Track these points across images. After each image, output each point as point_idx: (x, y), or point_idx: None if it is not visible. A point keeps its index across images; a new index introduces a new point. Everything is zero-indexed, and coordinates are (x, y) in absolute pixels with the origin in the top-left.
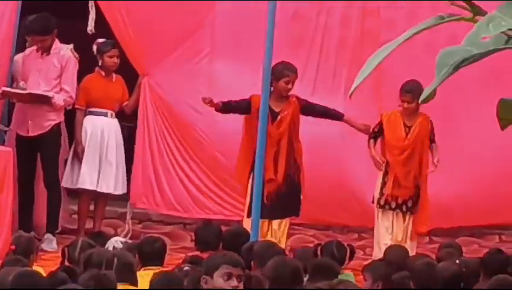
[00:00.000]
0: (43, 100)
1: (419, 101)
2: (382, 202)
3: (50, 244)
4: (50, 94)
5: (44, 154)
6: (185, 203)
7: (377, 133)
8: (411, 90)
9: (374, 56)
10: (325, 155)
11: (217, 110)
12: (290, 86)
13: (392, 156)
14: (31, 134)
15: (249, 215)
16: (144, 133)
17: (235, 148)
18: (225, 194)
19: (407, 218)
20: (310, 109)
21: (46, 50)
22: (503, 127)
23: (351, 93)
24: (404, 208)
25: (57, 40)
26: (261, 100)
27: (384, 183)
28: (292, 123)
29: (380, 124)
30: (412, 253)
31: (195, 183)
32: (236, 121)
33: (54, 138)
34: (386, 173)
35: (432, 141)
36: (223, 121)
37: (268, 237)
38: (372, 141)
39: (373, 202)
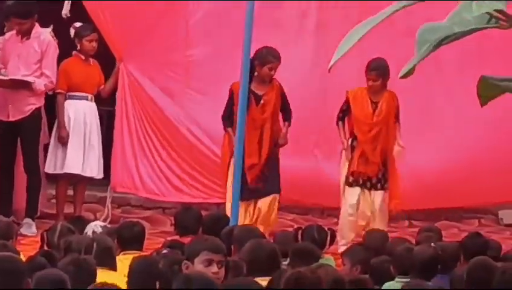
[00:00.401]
0: (24, 85)
1: (399, 77)
2: (350, 180)
3: (29, 228)
4: (31, 79)
5: (25, 139)
6: (163, 187)
7: (345, 112)
8: (376, 68)
9: (353, 31)
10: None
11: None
12: (273, 72)
13: (361, 133)
14: (11, 119)
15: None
16: (122, 117)
17: (211, 134)
18: (202, 177)
19: (372, 194)
20: (284, 103)
21: (25, 34)
22: (482, 104)
23: (330, 67)
24: (368, 185)
25: (37, 25)
26: (241, 85)
27: (351, 161)
28: (274, 107)
29: (347, 102)
30: (383, 227)
31: (171, 167)
32: (210, 108)
33: (35, 123)
34: (352, 150)
35: (397, 119)
36: (198, 107)
37: (256, 219)
38: (340, 122)
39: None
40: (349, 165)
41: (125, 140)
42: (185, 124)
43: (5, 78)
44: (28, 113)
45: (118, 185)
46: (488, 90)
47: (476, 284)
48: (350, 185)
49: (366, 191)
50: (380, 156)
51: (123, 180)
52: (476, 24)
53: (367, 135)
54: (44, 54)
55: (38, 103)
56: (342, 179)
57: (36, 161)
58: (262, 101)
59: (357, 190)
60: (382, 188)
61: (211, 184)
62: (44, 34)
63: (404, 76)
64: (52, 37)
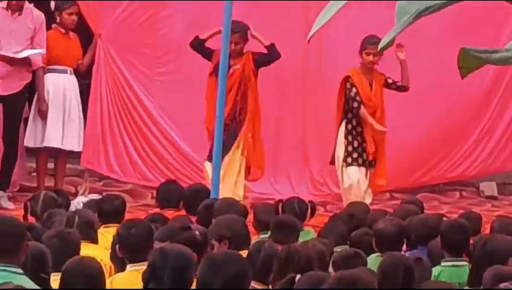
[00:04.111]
0: (24, 61)
1: (378, 49)
2: (349, 160)
3: (5, 201)
4: (33, 55)
5: (9, 113)
6: (124, 167)
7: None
8: (376, 42)
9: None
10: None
11: (190, 43)
12: (233, 45)
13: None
14: (2, 93)
15: (209, 159)
16: (96, 93)
17: (181, 117)
18: (163, 162)
19: (369, 172)
20: (260, 60)
21: (17, 10)
22: (463, 76)
23: (309, 38)
24: (367, 163)
25: (26, 1)
26: (221, 58)
27: (349, 142)
28: (244, 76)
29: (354, 85)
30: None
31: (137, 148)
32: (183, 90)
33: (22, 98)
34: (349, 132)
35: (391, 81)
36: (172, 87)
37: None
38: (362, 108)
39: (332, 163)
40: (347, 146)
41: (96, 116)
42: (154, 107)
43: (15, 56)
44: (20, 88)
45: (85, 161)
46: (468, 62)
47: (451, 246)
48: (349, 164)
49: (363, 168)
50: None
51: (90, 155)
52: None
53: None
54: (38, 31)
55: (29, 78)
56: (339, 160)
57: (16, 134)
58: (230, 70)
59: (357, 168)
60: (375, 166)
61: (169, 171)
62: (36, 11)
63: (383, 48)
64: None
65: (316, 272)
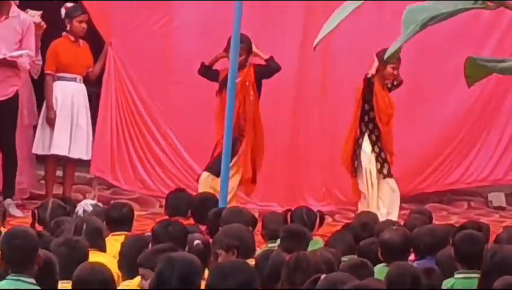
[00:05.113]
0: (10, 64)
1: (385, 58)
2: (385, 171)
3: (14, 209)
4: (21, 55)
5: (4, 120)
6: (127, 176)
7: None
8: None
9: (338, 11)
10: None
11: (198, 70)
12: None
13: (382, 124)
14: None
15: (207, 170)
16: (106, 101)
17: (190, 127)
18: (165, 173)
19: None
20: (260, 72)
21: (3, 14)
22: (469, 85)
23: (315, 46)
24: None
25: (13, 3)
26: (229, 71)
27: (378, 154)
28: (244, 89)
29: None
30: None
31: (140, 157)
32: (193, 100)
33: (15, 104)
34: (375, 144)
35: (390, 85)
36: (182, 97)
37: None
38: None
39: (354, 175)
40: (377, 157)
41: (105, 125)
42: (163, 117)
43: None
44: (12, 94)
45: (94, 169)
46: (475, 70)
47: (464, 258)
48: (387, 176)
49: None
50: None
51: (99, 163)
52: (462, 4)
53: (386, 126)
54: (26, 33)
55: (19, 84)
56: (371, 173)
57: (13, 141)
58: None
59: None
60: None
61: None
62: (23, 14)
63: (389, 58)
64: (40, 22)
65: (338, 273)
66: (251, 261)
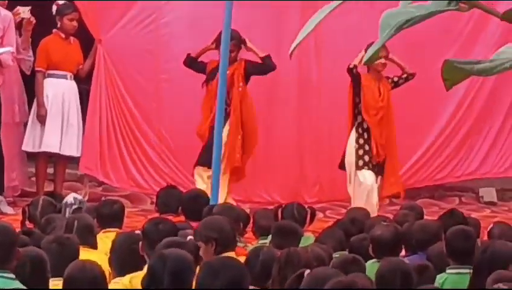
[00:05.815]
0: None
1: (363, 62)
2: (361, 163)
3: (4, 206)
4: (8, 52)
5: None
6: (118, 173)
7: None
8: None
9: (315, 16)
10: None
11: (184, 61)
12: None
13: (369, 117)
14: None
15: (197, 164)
16: (95, 99)
17: (179, 127)
18: (155, 171)
19: (378, 179)
20: (252, 68)
21: None
22: (448, 88)
23: (291, 53)
24: (376, 169)
25: None
26: (220, 65)
27: (360, 146)
28: (231, 78)
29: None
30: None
31: (131, 155)
32: (184, 96)
33: None
34: (360, 136)
35: (397, 79)
36: (172, 94)
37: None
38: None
39: (340, 167)
40: (358, 150)
41: (95, 122)
42: (153, 114)
43: None
44: None
45: (83, 166)
46: (452, 74)
47: (456, 253)
48: (361, 167)
49: (373, 174)
50: (385, 142)
51: (88, 161)
52: (434, 7)
53: (373, 118)
54: (7, 30)
55: (2, 81)
56: (351, 164)
57: None
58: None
59: (371, 172)
60: (383, 173)
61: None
62: (4, 10)
63: (368, 61)
64: (30, 17)
65: (324, 268)
66: (231, 254)
